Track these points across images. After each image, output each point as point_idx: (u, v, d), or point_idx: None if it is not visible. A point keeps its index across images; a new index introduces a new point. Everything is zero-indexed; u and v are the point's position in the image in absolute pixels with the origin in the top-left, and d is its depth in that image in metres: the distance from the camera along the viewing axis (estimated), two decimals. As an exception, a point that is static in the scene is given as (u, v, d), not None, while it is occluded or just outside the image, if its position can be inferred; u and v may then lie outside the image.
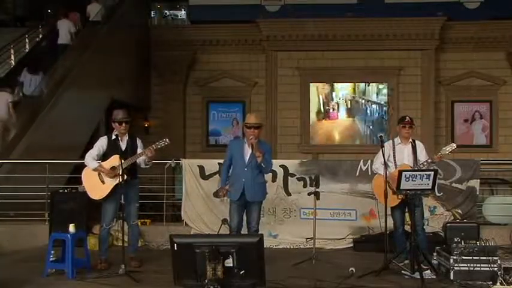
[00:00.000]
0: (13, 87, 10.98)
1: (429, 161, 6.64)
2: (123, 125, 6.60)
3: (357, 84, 16.40)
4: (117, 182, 6.44)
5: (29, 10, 16.65)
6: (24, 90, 11.52)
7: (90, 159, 6.61)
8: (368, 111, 16.34)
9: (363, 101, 16.36)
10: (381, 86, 16.32)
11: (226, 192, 6.66)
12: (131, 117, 6.74)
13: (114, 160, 6.50)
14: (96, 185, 6.59)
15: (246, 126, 6.61)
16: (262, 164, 6.57)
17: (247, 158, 6.64)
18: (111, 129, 6.87)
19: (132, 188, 6.69)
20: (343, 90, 16.48)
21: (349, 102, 16.38)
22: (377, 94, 16.37)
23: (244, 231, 6.81)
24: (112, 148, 6.60)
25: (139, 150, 6.65)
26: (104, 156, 6.65)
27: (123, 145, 6.62)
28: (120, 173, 6.34)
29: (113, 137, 6.68)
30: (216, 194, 8.03)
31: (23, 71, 11.99)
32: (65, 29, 13.10)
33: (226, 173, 6.79)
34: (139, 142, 6.79)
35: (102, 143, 6.69)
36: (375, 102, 16.34)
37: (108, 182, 6.54)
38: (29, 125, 10.71)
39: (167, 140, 6.59)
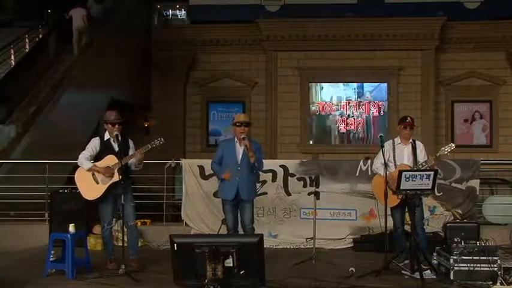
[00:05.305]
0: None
1: (427, 161, 6.63)
2: (116, 126, 6.56)
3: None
4: (112, 181, 6.44)
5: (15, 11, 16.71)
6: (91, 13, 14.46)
7: (84, 159, 6.55)
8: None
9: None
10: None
11: (230, 175, 6.65)
12: (124, 117, 6.71)
13: (109, 160, 6.48)
14: (90, 186, 6.55)
15: (236, 125, 6.71)
16: (256, 164, 6.68)
17: (239, 157, 6.72)
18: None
19: (127, 189, 6.65)
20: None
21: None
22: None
23: (239, 231, 6.83)
24: (105, 149, 6.57)
25: (131, 151, 6.63)
26: (96, 157, 6.60)
27: (116, 146, 6.56)
28: (120, 172, 6.33)
29: (106, 137, 6.65)
30: (216, 194, 8.03)
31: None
32: None
33: (219, 166, 6.83)
34: (131, 143, 6.75)
35: (94, 144, 6.64)
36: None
37: (102, 182, 6.52)
38: (29, 125, 10.72)
39: (162, 139, 6.57)
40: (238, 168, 6.69)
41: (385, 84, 16.37)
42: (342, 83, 16.60)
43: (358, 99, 16.48)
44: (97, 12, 14.77)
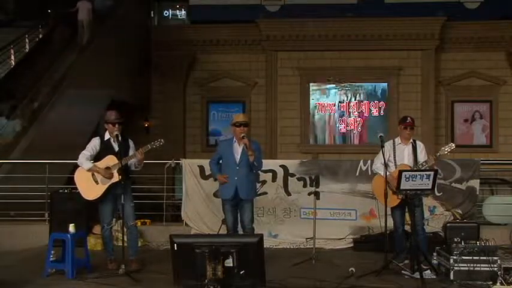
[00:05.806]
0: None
1: (427, 161, 6.63)
2: (117, 126, 6.55)
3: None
4: (111, 182, 6.44)
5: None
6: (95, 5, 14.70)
7: (84, 159, 6.55)
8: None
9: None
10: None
11: (226, 177, 6.66)
12: (124, 117, 6.71)
13: (108, 160, 6.49)
14: (90, 186, 6.55)
15: (235, 125, 6.71)
16: (255, 163, 6.67)
17: (238, 156, 6.72)
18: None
19: (127, 189, 6.65)
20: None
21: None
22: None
23: (239, 231, 6.82)
24: (105, 149, 6.57)
25: (131, 151, 6.63)
26: (96, 157, 6.60)
27: (116, 146, 6.56)
28: (120, 173, 6.34)
29: (106, 137, 6.65)
30: (216, 194, 8.04)
31: None
32: None
33: (216, 166, 6.85)
34: (131, 143, 6.75)
35: (94, 144, 6.64)
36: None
37: (102, 182, 6.51)
38: (29, 125, 10.72)
39: (162, 140, 6.57)
40: (237, 167, 6.69)
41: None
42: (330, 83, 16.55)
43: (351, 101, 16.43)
44: (100, 5, 14.91)
